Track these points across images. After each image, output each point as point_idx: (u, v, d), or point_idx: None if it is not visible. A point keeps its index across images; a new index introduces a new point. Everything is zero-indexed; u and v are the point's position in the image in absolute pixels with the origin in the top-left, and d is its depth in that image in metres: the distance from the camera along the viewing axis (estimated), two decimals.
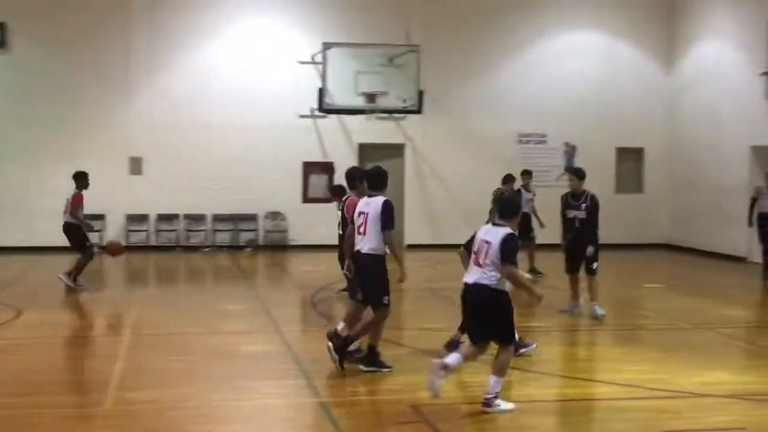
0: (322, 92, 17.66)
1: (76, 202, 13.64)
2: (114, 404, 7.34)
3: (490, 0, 20.27)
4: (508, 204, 7.53)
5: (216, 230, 19.70)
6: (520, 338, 8.80)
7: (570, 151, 20.84)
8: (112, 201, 18.80)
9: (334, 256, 15.37)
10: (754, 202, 15.95)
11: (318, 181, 19.88)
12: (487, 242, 7.12)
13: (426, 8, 20.03)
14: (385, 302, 8.37)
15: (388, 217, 8.21)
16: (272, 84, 19.44)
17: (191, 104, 19.23)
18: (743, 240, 17.94)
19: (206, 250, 19.38)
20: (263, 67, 19.50)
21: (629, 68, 21.01)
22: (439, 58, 19.81)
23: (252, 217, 19.75)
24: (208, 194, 19.33)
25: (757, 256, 16.98)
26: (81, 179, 13.84)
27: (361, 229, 8.32)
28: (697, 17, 20.06)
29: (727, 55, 18.88)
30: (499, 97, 20.49)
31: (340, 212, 9.24)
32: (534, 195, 15.79)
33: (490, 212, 7.75)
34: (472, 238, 7.50)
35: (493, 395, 7.11)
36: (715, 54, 19.36)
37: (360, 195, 8.81)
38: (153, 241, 19.44)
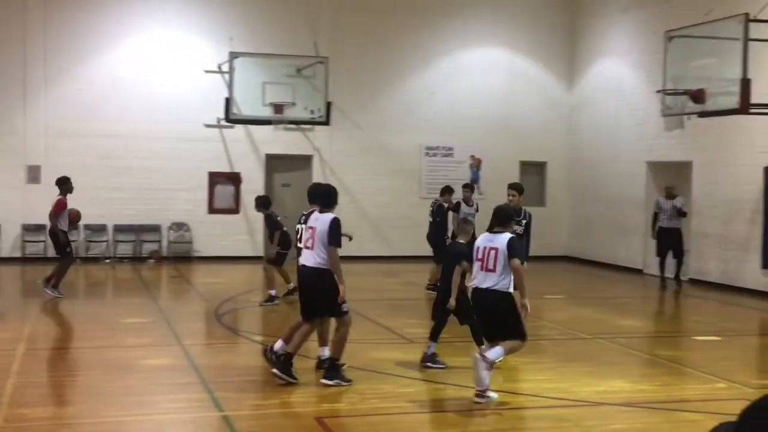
0: (228, 102, 17.49)
1: (56, 209, 13.63)
2: (6, 422, 7.06)
3: (398, 15, 20.46)
4: (503, 214, 8.25)
5: (117, 241, 19.23)
6: (434, 353, 9.07)
7: (475, 164, 21.18)
8: (8, 210, 18.18)
9: (239, 268, 15.23)
10: (656, 216, 16.54)
11: (224, 192, 19.65)
12: (494, 248, 7.86)
13: (334, 20, 20.08)
14: (345, 310, 8.43)
15: (337, 234, 8.41)
16: (178, 93, 19.15)
17: (94, 112, 18.76)
18: (640, 252, 18.56)
19: (107, 261, 18.90)
20: (169, 75, 19.19)
21: (533, 84, 21.51)
22: (348, 70, 19.89)
23: (155, 228, 19.36)
24: (110, 204, 18.87)
25: (652, 268, 17.59)
26: (64, 184, 13.79)
27: (309, 243, 8.41)
28: (597, 35, 20.70)
29: (625, 72, 19.53)
30: (406, 110, 20.68)
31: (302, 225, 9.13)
32: (476, 209, 15.61)
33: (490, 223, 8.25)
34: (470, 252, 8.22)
35: (484, 389, 7.75)
36: (614, 71, 20.01)
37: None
38: (51, 253, 18.82)
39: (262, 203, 13.75)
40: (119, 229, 19.16)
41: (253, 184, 19.59)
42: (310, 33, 18.20)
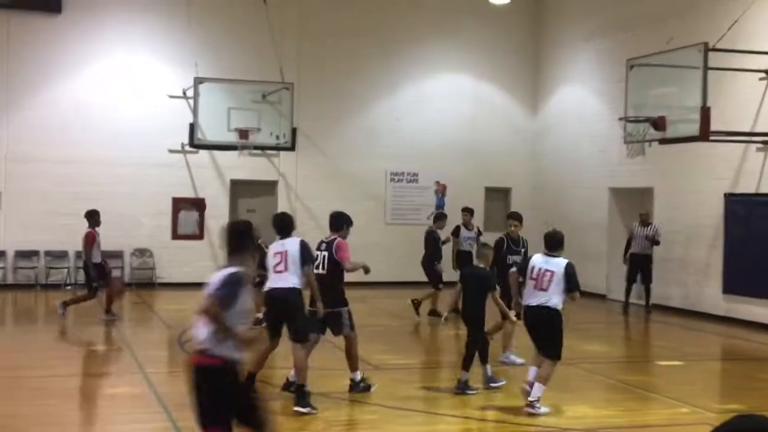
0: (193, 127, 17.40)
1: (85, 242, 14.03)
2: None
3: (364, 42, 20.56)
4: (555, 239, 8.93)
5: (79, 267, 18.92)
6: (493, 374, 9.41)
7: (441, 190, 21.26)
8: None
9: (202, 294, 14.87)
10: (629, 241, 16.80)
11: (188, 218, 19.50)
12: (549, 271, 8.52)
13: (300, 47, 20.13)
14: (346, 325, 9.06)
15: (308, 254, 8.74)
16: (142, 118, 19.03)
17: (55, 137, 18.56)
18: (603, 278, 18.70)
19: (68, 287, 18.61)
20: (133, 100, 19.07)
21: (497, 110, 21.69)
22: (313, 96, 19.93)
23: (118, 254, 19.12)
24: (72, 230, 18.57)
25: (616, 293, 17.73)
26: (91, 217, 14.14)
27: (279, 267, 8.56)
28: (561, 63, 20.95)
29: (588, 99, 19.78)
30: (371, 136, 20.74)
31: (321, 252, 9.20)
32: (478, 233, 15.62)
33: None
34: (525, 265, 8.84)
35: (536, 399, 8.33)
36: (577, 98, 20.25)
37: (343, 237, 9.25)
38: (10, 279, 18.53)
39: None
40: (81, 255, 18.86)
41: (218, 210, 19.48)
42: (275, 59, 18.19)
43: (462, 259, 15.32)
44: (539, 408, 8.32)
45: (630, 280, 16.81)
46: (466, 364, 9.15)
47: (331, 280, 8.95)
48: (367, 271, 9.32)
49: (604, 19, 19.23)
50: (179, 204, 19.43)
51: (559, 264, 8.58)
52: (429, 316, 14.74)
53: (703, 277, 16.06)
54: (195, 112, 17.43)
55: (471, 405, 8.86)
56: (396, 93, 20.97)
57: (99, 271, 14.18)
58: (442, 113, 21.18)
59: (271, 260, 8.71)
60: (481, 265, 9.52)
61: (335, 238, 9.22)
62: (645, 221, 16.59)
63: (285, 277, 8.49)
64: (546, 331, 8.58)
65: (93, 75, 18.95)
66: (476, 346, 9.23)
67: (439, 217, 15.71)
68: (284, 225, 9.01)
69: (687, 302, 16.24)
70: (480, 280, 9.27)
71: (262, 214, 20.44)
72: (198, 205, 19.59)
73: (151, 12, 19.29)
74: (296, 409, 8.24)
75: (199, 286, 18.41)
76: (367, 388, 9.14)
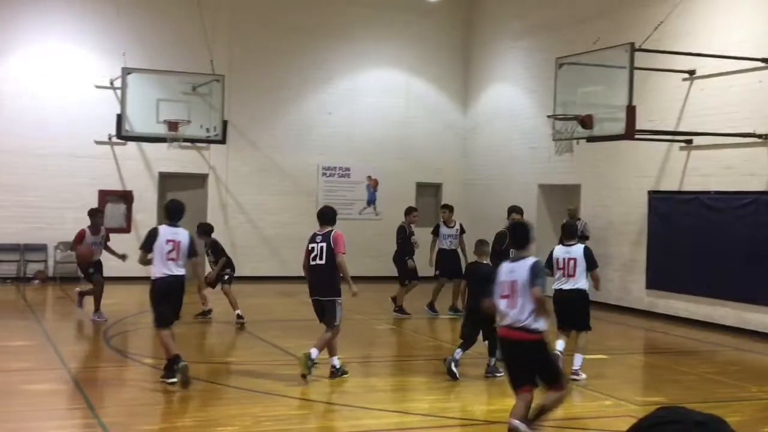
0: (120, 118, 17.04)
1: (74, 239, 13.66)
2: None
3: (296, 35, 20.44)
4: (569, 229, 10.32)
5: (0, 261, 18.44)
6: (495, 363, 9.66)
7: (372, 185, 21.29)
8: None
9: (129, 289, 14.74)
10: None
11: (115, 211, 19.11)
12: (572, 258, 9.80)
13: (232, 39, 19.91)
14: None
15: (194, 247, 9.42)
16: (67, 108, 18.57)
17: None
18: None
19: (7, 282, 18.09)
20: (58, 90, 18.59)
21: (429, 106, 21.81)
22: (245, 88, 19.74)
23: (41, 248, 18.64)
24: None
25: (547, 289, 17.97)
26: (91, 216, 13.85)
27: (172, 255, 9.07)
28: (492, 61, 21.17)
29: (518, 97, 20.03)
30: (303, 130, 20.64)
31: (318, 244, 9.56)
32: (459, 230, 15.58)
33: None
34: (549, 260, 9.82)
35: (578, 367, 9.80)
36: (507, 96, 20.49)
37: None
38: None
39: (206, 230, 13.92)
40: (1, 248, 18.38)
41: (146, 203, 19.16)
42: (206, 50, 17.95)
43: (444, 257, 15.27)
44: (581, 375, 9.69)
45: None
46: (492, 350, 9.68)
47: (330, 271, 9.37)
48: (354, 294, 9.68)
49: (534, 18, 19.49)
50: (106, 197, 19.03)
51: (578, 251, 9.90)
52: (394, 312, 14.72)
53: (628, 272, 16.42)
54: (123, 103, 17.07)
55: (408, 399, 8.90)
56: (328, 87, 20.90)
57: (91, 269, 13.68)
58: (374, 108, 21.20)
59: (164, 246, 9.05)
60: (484, 261, 10.18)
61: (331, 230, 9.66)
62: (573, 216, 16.85)
63: (178, 265, 9.06)
64: (579, 309, 9.90)
65: (16, 62, 18.41)
66: (493, 338, 9.35)
67: (409, 211, 15.51)
68: (177, 211, 9.38)
69: (612, 297, 16.58)
70: (485, 275, 9.35)
71: (192, 208, 20.15)
72: (125, 197, 19.23)
73: None
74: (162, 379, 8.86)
75: (125, 280, 18.15)
76: (344, 372, 9.57)
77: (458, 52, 21.98)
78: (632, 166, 16.33)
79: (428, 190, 21.92)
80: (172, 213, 9.35)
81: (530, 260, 7.13)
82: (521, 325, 6.77)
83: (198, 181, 19.98)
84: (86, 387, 8.94)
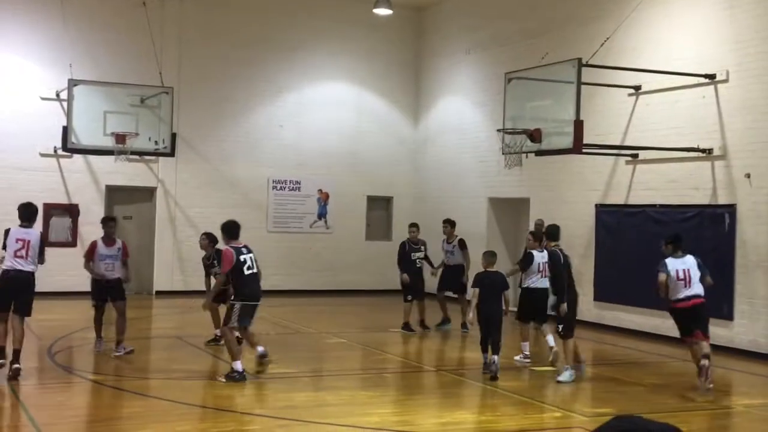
0: (66, 131, 16.76)
1: (86, 251, 12.21)
2: None
3: (246, 47, 20.35)
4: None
5: None
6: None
7: (323, 198, 21.25)
8: None
9: (75, 304, 14.50)
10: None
11: (60, 225, 18.77)
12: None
13: (181, 51, 19.75)
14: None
15: (44, 247, 10.69)
16: (11, 120, 18.22)
17: None
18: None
19: None
20: (2, 101, 18.24)
21: (380, 120, 21.86)
22: (194, 101, 19.59)
23: None
24: None
25: None
26: (103, 224, 12.26)
27: (22, 253, 10.22)
28: (442, 74, 21.31)
29: (468, 111, 20.18)
30: (253, 143, 20.53)
31: None
32: (456, 245, 15.32)
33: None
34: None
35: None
36: (457, 109, 20.63)
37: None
38: None
39: (214, 240, 12.73)
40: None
41: (92, 216, 18.83)
42: (155, 62, 17.77)
43: (444, 271, 15.31)
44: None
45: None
46: (496, 349, 10.75)
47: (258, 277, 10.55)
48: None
49: (483, 32, 19.68)
50: (51, 210, 18.69)
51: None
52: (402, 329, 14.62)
53: (576, 285, 16.56)
54: (69, 115, 16.78)
55: (355, 414, 8.86)
56: (278, 100, 20.84)
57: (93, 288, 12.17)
58: (324, 121, 21.18)
59: (13, 245, 10.10)
60: (493, 270, 11.08)
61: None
62: (540, 228, 17.03)
63: (26, 262, 10.12)
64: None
65: None
66: (498, 341, 10.78)
67: (409, 227, 15.50)
68: (30, 214, 10.49)
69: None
70: (499, 283, 10.92)
71: (140, 221, 19.93)
72: (71, 211, 18.90)
73: (24, 9, 18.54)
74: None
75: (71, 295, 17.71)
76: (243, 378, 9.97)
77: (409, 66, 22.09)
78: (580, 180, 16.54)
79: (379, 203, 21.94)
80: (25, 216, 10.43)
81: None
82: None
83: (146, 194, 19.74)
84: (30, 403, 8.73)
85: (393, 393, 10.15)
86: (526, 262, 12.12)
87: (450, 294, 15.49)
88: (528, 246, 12.48)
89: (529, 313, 12.03)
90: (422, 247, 15.13)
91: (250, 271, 10.29)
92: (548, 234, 11.69)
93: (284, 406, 8.93)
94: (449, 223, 15.62)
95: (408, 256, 14.93)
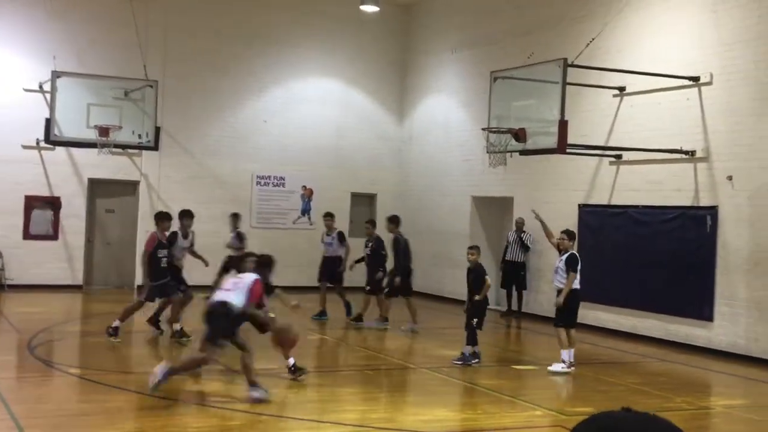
0: (49, 123, 16.66)
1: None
2: None
3: (232, 41, 20.28)
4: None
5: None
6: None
7: (307, 194, 21.22)
8: None
9: (56, 297, 14.48)
10: (506, 248, 17.39)
11: (42, 217, 18.66)
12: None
13: (166, 44, 19.65)
14: None
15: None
16: None
17: None
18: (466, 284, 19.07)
19: None
20: None
21: (365, 116, 21.84)
22: (178, 94, 19.50)
23: None
24: None
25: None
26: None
27: None
28: (428, 73, 21.32)
29: (453, 109, 20.20)
30: (238, 138, 20.47)
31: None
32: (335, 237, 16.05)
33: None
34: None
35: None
36: (442, 108, 20.65)
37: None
38: None
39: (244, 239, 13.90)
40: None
41: (74, 210, 18.76)
42: (140, 55, 17.68)
43: (323, 262, 16.14)
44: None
45: (506, 287, 17.45)
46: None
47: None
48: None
49: (470, 31, 19.71)
50: (32, 202, 18.57)
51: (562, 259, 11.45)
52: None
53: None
54: (52, 107, 16.69)
55: (335, 410, 8.85)
56: (264, 95, 20.78)
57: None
58: (310, 117, 21.14)
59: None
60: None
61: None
62: (519, 228, 17.21)
63: None
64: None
65: None
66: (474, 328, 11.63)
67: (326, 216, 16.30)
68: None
69: (543, 309, 16.79)
70: (480, 274, 11.91)
71: (122, 214, 19.83)
72: (53, 204, 18.78)
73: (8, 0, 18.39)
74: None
75: (52, 288, 17.66)
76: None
77: (396, 64, 22.08)
78: (563, 180, 16.60)
79: (363, 200, 21.93)
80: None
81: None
82: None
83: (129, 188, 19.64)
84: (9, 397, 8.68)
85: (374, 390, 10.15)
86: (574, 262, 11.58)
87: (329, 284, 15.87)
88: (562, 246, 11.79)
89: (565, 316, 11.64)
90: (334, 236, 15.93)
91: None
92: (391, 221, 13.11)
93: (264, 404, 8.91)
94: (330, 217, 16.37)
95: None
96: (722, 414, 9.66)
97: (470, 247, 12.62)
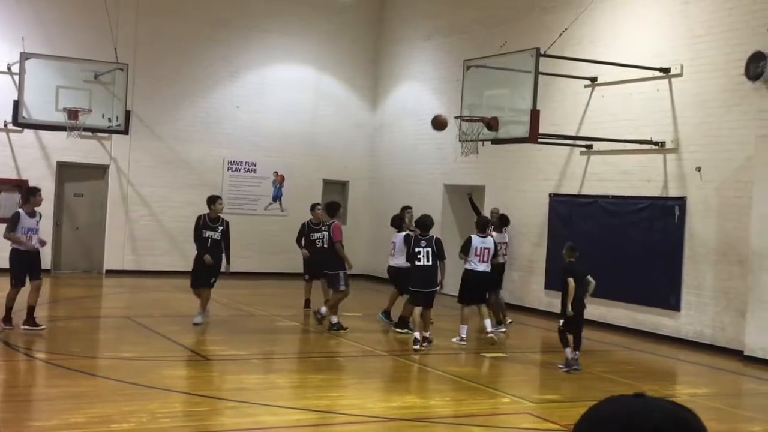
0: (17, 105, 16.43)
1: (338, 233, 13.30)
2: None
3: (204, 25, 20.10)
4: (482, 222, 13.15)
5: None
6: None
7: (279, 181, 21.14)
8: None
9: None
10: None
11: (8, 201, 18.41)
12: (486, 248, 12.48)
13: (136, 26, 19.43)
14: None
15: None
16: None
17: None
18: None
19: None
20: None
21: (339, 104, 21.77)
22: (149, 78, 19.31)
23: None
24: None
25: (447, 288, 18.19)
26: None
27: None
28: (401, 60, 21.29)
29: (425, 97, 20.19)
30: (209, 123, 20.32)
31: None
32: (323, 229, 14.72)
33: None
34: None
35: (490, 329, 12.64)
36: (415, 95, 20.63)
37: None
38: None
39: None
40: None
41: (42, 193, 18.46)
42: (110, 38, 17.47)
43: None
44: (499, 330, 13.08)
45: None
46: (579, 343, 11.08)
47: (330, 252, 13.07)
48: (349, 266, 13.20)
49: (444, 19, 19.69)
50: (0, 185, 18.32)
51: (490, 241, 12.72)
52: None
53: (528, 273, 16.76)
54: (20, 89, 16.45)
55: (308, 396, 8.85)
56: (236, 80, 20.64)
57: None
58: (282, 103, 21.03)
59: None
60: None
61: (332, 222, 13.35)
62: (495, 214, 17.13)
63: None
64: (486, 287, 12.96)
65: None
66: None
67: (312, 206, 15.63)
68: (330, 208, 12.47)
69: (513, 297, 16.88)
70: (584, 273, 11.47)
71: (91, 199, 19.63)
72: (20, 187, 18.52)
73: None
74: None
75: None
76: (341, 327, 12.65)
77: (369, 51, 22.03)
78: (535, 169, 16.67)
79: (335, 187, 21.89)
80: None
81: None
82: None
83: (98, 171, 19.45)
84: None
85: (343, 376, 10.16)
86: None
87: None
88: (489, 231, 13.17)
89: (473, 296, 12.69)
90: (323, 228, 14.76)
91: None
92: (327, 209, 13.71)
93: (234, 388, 8.90)
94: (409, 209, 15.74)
95: (308, 236, 14.93)
96: (687, 403, 9.69)
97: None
